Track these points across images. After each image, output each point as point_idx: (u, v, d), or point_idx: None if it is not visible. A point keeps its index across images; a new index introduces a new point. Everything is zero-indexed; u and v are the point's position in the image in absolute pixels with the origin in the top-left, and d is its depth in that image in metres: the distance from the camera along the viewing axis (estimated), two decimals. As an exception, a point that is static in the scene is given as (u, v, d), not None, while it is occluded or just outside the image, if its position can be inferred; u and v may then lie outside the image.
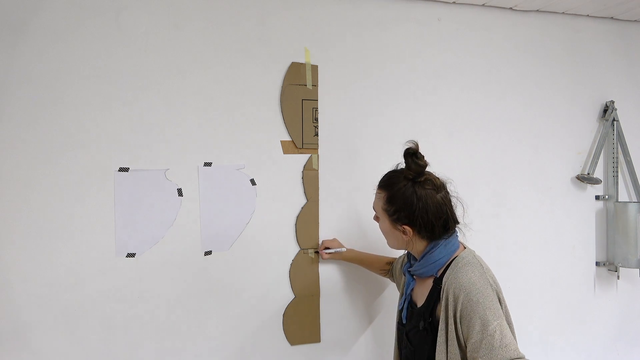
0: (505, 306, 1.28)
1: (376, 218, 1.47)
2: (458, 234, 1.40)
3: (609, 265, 2.34)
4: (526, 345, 2.18)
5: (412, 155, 1.34)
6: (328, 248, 1.84)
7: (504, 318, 1.21)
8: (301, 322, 1.85)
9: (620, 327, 2.39)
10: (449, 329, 1.25)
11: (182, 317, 1.72)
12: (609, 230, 2.34)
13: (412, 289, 1.45)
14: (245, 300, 1.79)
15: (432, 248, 1.34)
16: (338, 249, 1.84)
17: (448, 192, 1.36)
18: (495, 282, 1.29)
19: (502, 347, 1.15)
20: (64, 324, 1.59)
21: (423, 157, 1.35)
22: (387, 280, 1.93)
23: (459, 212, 1.38)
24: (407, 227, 1.34)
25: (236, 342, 1.78)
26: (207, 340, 1.75)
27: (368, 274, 1.94)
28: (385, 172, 1.44)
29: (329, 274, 1.90)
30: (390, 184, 1.38)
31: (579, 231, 2.31)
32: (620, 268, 2.28)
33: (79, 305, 1.60)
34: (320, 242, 1.88)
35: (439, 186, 1.34)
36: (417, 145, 1.36)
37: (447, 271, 1.30)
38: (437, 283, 1.32)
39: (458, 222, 1.38)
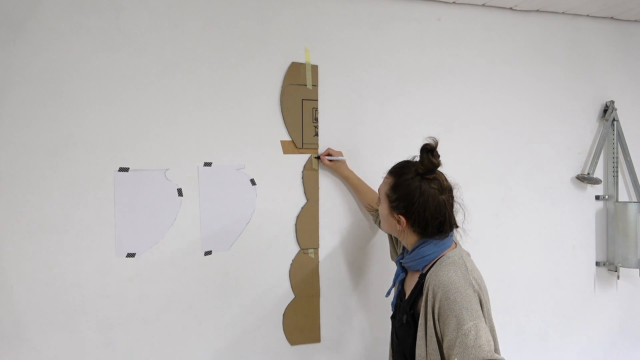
0: (488, 310, 1.28)
1: (378, 200, 1.49)
2: (454, 234, 1.40)
3: (609, 265, 2.34)
4: (526, 345, 2.20)
5: (429, 151, 1.35)
6: (330, 155, 1.85)
7: (482, 320, 1.20)
8: (301, 322, 1.85)
9: (620, 327, 2.39)
10: (428, 325, 1.27)
11: (181, 317, 1.72)
12: (609, 230, 2.34)
13: (404, 281, 1.48)
14: (245, 301, 1.79)
15: (423, 243, 1.36)
16: (339, 157, 1.85)
17: (452, 197, 1.37)
18: (479, 284, 1.28)
19: (475, 347, 1.15)
20: (64, 323, 1.59)
21: (439, 156, 1.36)
22: (387, 280, 1.93)
23: (459, 218, 1.39)
24: (402, 218, 1.36)
25: (236, 342, 1.78)
26: (206, 340, 1.75)
27: (368, 274, 1.94)
28: (384, 170, 1.45)
29: (329, 274, 1.90)
30: (399, 172, 1.39)
31: (579, 231, 2.31)
32: (620, 268, 2.28)
33: (79, 305, 1.60)
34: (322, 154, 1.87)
35: (445, 188, 1.35)
36: (436, 142, 1.36)
37: (432, 268, 1.33)
38: (421, 278, 1.35)
39: (457, 226, 1.40)
